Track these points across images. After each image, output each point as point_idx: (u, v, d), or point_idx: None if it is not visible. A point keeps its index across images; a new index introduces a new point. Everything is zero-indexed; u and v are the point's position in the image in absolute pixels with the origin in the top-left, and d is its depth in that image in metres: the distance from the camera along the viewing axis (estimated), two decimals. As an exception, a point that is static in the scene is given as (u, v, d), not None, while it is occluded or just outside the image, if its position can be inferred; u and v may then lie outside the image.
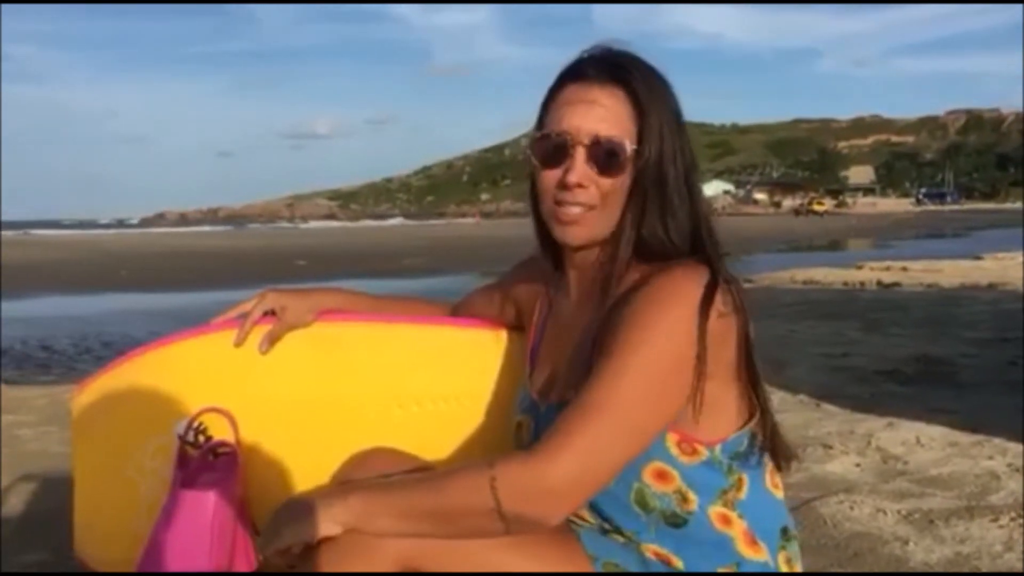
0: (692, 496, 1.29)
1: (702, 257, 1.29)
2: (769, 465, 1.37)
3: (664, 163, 1.31)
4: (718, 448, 1.29)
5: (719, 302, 1.24)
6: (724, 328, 1.25)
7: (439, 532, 1.20)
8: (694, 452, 1.28)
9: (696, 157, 1.38)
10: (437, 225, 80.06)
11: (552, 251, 1.45)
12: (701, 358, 1.23)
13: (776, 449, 1.37)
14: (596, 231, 1.34)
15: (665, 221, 1.30)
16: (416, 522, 1.19)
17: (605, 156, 1.31)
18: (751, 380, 1.33)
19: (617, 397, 1.19)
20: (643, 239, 1.31)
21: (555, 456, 1.17)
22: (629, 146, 1.30)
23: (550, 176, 1.34)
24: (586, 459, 1.17)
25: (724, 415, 1.30)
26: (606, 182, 1.31)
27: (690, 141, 1.37)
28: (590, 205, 1.32)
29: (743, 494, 1.31)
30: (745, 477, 1.32)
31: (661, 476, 1.29)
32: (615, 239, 1.33)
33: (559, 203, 1.34)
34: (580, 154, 1.31)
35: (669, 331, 1.21)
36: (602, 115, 1.31)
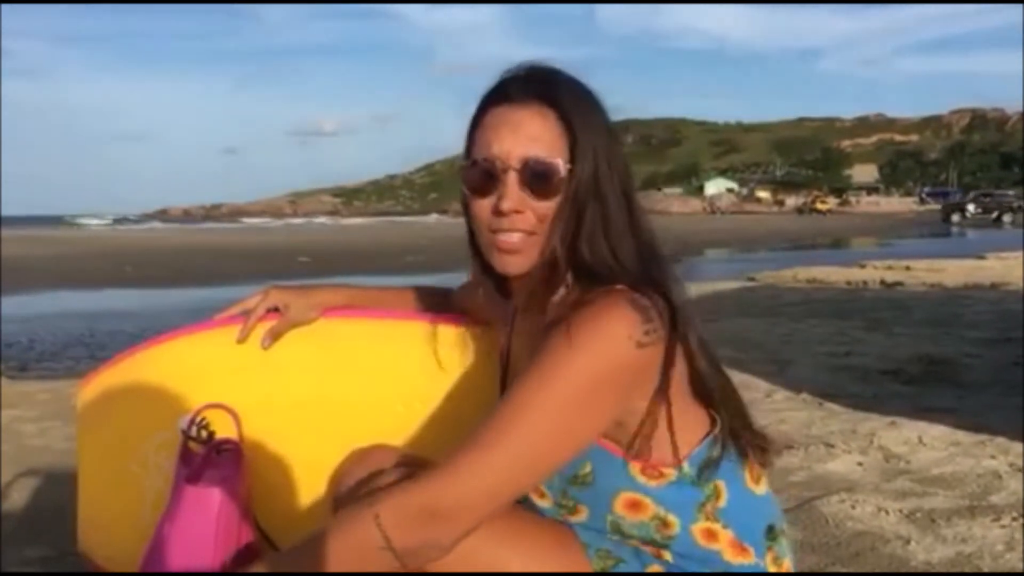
0: (672, 519, 1.26)
1: (638, 280, 1.23)
2: (746, 462, 1.33)
3: (600, 181, 1.26)
4: (685, 464, 1.26)
5: (640, 333, 1.17)
6: (647, 357, 1.20)
7: None
8: (661, 475, 1.25)
9: (631, 172, 1.32)
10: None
11: (494, 278, 1.37)
12: (617, 393, 1.20)
13: (749, 444, 1.33)
14: (533, 258, 1.28)
15: (611, 241, 1.25)
16: None
17: (538, 179, 1.25)
18: (701, 390, 1.29)
19: (517, 430, 1.16)
20: (586, 261, 1.25)
21: (439, 481, 1.15)
22: (563, 166, 1.25)
23: (483, 205, 1.29)
24: (475, 486, 1.15)
25: (682, 433, 1.25)
26: (542, 206, 1.26)
27: (625, 156, 1.32)
28: (528, 231, 1.27)
29: (723, 501, 1.28)
30: (722, 483, 1.28)
31: (634, 506, 1.26)
32: (553, 263, 1.27)
33: (495, 231, 1.28)
34: (512, 179, 1.26)
35: (578, 368, 1.16)
36: (531, 136, 1.26)
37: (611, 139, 1.30)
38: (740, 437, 1.32)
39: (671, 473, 1.26)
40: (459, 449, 1.17)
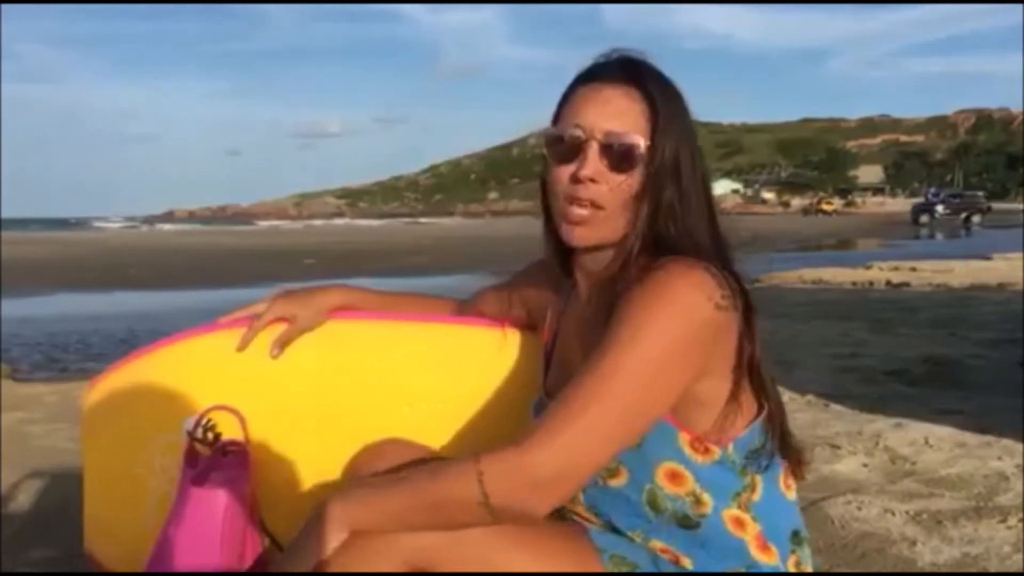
0: (707, 498, 1.28)
1: (707, 252, 1.28)
2: (783, 465, 1.37)
3: (680, 164, 1.31)
4: (731, 447, 1.29)
5: (717, 296, 1.23)
6: (723, 322, 1.24)
7: (431, 525, 1.21)
8: (707, 451, 1.28)
9: (707, 164, 1.38)
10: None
11: (561, 255, 1.45)
12: (698, 353, 1.23)
13: (788, 448, 1.37)
14: (603, 233, 1.33)
15: (688, 220, 1.30)
16: (408, 516, 1.20)
17: (618, 153, 1.31)
18: (757, 376, 1.32)
19: (607, 394, 1.19)
20: (664, 237, 1.30)
21: (540, 448, 1.17)
22: (643, 143, 1.30)
23: (563, 172, 1.34)
24: (571, 453, 1.17)
25: (733, 412, 1.29)
26: (618, 179, 1.31)
27: (701, 149, 1.37)
28: (601, 203, 1.32)
29: (757, 496, 1.31)
30: (759, 478, 1.31)
31: (674, 478, 1.28)
32: (626, 241, 1.33)
33: (570, 200, 1.33)
34: (593, 149, 1.31)
35: (662, 328, 1.21)
36: (616, 112, 1.32)
37: (691, 129, 1.35)
38: (781, 435, 1.35)
39: (716, 451, 1.28)
40: (555, 414, 1.19)
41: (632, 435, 1.23)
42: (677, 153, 1.31)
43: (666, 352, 1.21)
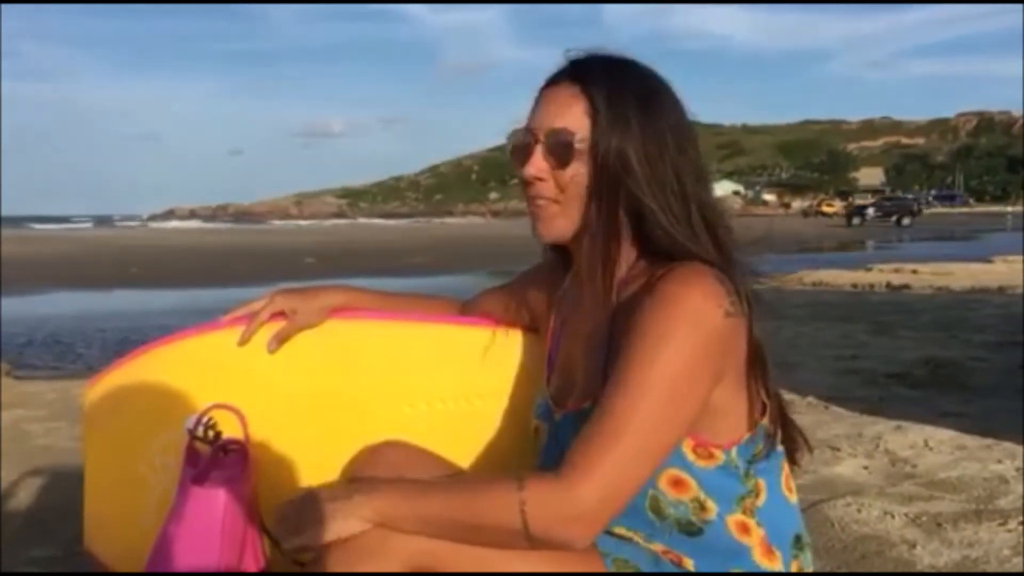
0: (711, 504, 1.29)
1: (708, 256, 1.28)
2: (785, 468, 1.37)
3: (626, 156, 1.28)
4: (734, 451, 1.29)
5: (726, 303, 1.23)
6: (733, 328, 1.25)
7: (462, 540, 1.20)
8: (710, 456, 1.28)
9: (691, 157, 1.33)
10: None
11: (559, 258, 1.47)
12: (714, 362, 1.23)
13: (790, 440, 1.37)
14: (562, 226, 1.35)
15: (669, 216, 1.28)
16: (440, 528, 1.19)
17: (557, 148, 1.32)
18: (761, 376, 1.32)
19: (638, 416, 1.18)
20: (647, 236, 1.31)
21: (582, 482, 1.16)
22: (579, 136, 1.31)
23: (520, 174, 1.37)
24: (612, 482, 1.17)
25: (738, 415, 1.29)
26: (561, 174, 1.32)
27: (685, 140, 1.33)
28: (551, 199, 1.34)
29: (761, 500, 1.31)
30: (762, 482, 1.32)
31: (677, 484, 1.28)
32: (592, 233, 1.32)
33: (528, 199, 1.37)
34: (538, 149, 1.34)
35: (680, 342, 1.20)
36: (558, 110, 1.33)
37: (649, 119, 1.31)
38: (784, 430, 1.36)
39: (719, 456, 1.28)
40: (590, 443, 1.18)
41: (664, 453, 1.23)
42: (623, 145, 1.28)
43: (687, 366, 1.21)
